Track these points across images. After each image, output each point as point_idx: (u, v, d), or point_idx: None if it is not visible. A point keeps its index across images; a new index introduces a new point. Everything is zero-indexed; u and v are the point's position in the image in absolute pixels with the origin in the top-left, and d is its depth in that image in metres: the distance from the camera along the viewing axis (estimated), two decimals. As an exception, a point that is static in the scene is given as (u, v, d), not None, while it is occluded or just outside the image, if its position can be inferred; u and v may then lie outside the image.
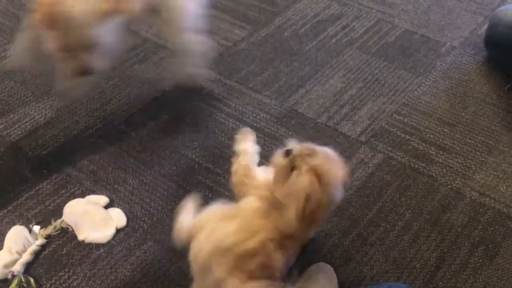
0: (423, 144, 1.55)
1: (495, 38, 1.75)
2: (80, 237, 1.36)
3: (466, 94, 1.70)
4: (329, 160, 1.06)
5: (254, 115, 1.65)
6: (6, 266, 1.28)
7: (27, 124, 1.65)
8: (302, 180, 1.01)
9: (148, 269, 1.28)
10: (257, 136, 1.56)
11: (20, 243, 1.32)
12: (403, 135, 1.57)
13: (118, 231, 1.36)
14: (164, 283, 1.25)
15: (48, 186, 1.47)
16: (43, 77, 1.79)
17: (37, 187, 1.47)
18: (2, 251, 1.31)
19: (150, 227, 1.37)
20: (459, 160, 1.50)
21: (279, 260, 1.05)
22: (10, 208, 1.42)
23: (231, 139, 1.58)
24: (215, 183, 1.46)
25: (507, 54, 1.72)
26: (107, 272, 1.28)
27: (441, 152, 1.52)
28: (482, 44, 1.83)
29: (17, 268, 1.28)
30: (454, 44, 1.88)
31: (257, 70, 1.81)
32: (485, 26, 1.84)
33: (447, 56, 1.84)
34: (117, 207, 1.41)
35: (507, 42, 1.68)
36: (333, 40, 1.92)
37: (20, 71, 1.81)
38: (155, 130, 1.62)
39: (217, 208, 1.12)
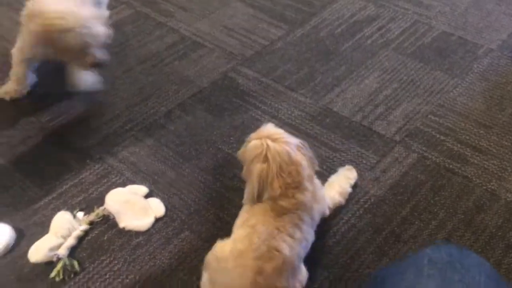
0: (459, 145, 1.55)
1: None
2: (121, 224, 1.41)
3: (503, 97, 1.70)
4: (288, 151, 1.16)
5: (289, 112, 1.68)
6: (52, 249, 1.34)
7: (72, 116, 1.72)
8: (257, 166, 1.14)
9: (184, 257, 1.33)
10: (292, 134, 1.60)
11: (65, 228, 1.39)
12: (438, 136, 1.58)
13: (156, 220, 1.41)
14: (200, 271, 1.29)
15: (91, 176, 1.53)
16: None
17: (81, 176, 1.53)
18: (48, 235, 1.37)
19: (187, 217, 1.41)
20: (495, 162, 1.50)
21: None
22: (55, 195, 1.48)
23: (267, 135, 1.62)
24: (251, 177, 1.50)
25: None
26: (146, 258, 1.33)
27: (476, 153, 1.53)
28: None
29: (62, 251, 1.34)
30: (492, 47, 1.88)
31: (293, 69, 1.84)
32: (524, 29, 1.84)
33: (484, 58, 1.84)
34: (156, 197, 1.46)
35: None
36: (369, 41, 1.94)
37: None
38: (193, 125, 1.67)
39: None
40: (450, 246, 1.10)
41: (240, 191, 1.45)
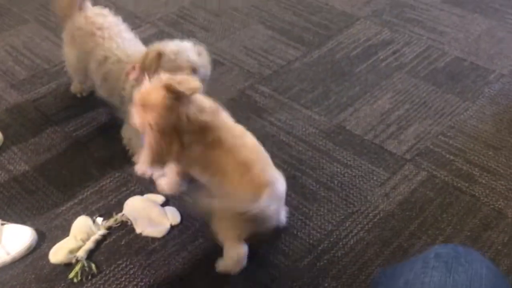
0: (467, 165, 1.59)
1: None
2: (138, 230, 1.47)
3: (512, 120, 1.74)
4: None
5: (303, 129, 1.74)
6: (71, 251, 1.40)
7: (94, 127, 1.79)
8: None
9: (199, 263, 1.38)
10: (306, 149, 1.66)
11: (84, 232, 1.45)
12: (447, 155, 1.63)
13: (172, 227, 1.47)
14: (214, 276, 1.34)
15: (111, 183, 1.59)
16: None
17: (101, 184, 1.59)
18: (68, 238, 1.43)
19: (201, 225, 1.47)
20: (503, 182, 1.54)
21: None
22: (76, 201, 1.55)
23: (281, 150, 1.68)
24: (265, 190, 1.55)
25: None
26: (161, 263, 1.38)
27: (485, 173, 1.57)
28: (531, 73, 1.87)
29: (81, 254, 1.40)
30: (503, 72, 1.93)
31: (309, 88, 1.91)
32: (535, 56, 1.88)
33: (495, 83, 1.88)
34: (172, 205, 1.52)
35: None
36: (383, 64, 2.00)
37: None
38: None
39: None
40: (456, 245, 1.14)
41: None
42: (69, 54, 1.76)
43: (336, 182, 1.56)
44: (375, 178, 1.57)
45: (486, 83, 1.88)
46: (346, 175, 1.58)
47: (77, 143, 1.74)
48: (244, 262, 1.34)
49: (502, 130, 1.71)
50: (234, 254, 1.33)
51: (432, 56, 2.02)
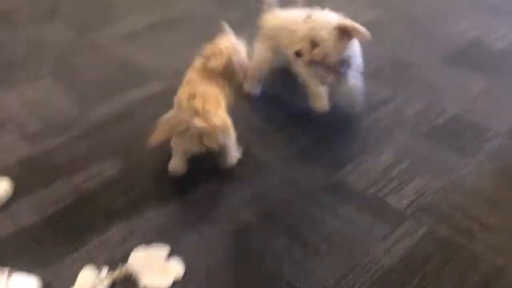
0: (467, 220, 1.62)
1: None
2: (142, 283, 1.49)
3: (511, 176, 1.78)
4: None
5: (306, 183, 1.78)
6: (76, 302, 1.42)
7: (102, 178, 1.84)
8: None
9: (201, 316, 1.39)
10: (309, 203, 1.69)
11: (90, 283, 1.47)
12: (448, 210, 1.66)
13: (176, 281, 1.49)
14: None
15: (117, 234, 1.63)
16: (120, 138, 2.01)
17: (108, 235, 1.63)
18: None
19: (205, 279, 1.49)
20: (502, 238, 1.56)
21: None
22: (83, 252, 1.58)
23: (284, 204, 1.71)
24: (267, 243, 1.58)
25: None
26: (164, 315, 1.40)
27: (484, 229, 1.59)
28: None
29: (86, 304, 1.42)
30: (501, 130, 1.97)
31: (311, 141, 1.96)
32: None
33: (494, 140, 1.93)
34: (177, 257, 1.54)
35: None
36: (385, 120, 2.06)
37: (99, 131, 2.04)
38: (218, 191, 1.77)
39: None
40: None
41: (259, 255, 1.53)
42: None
43: (338, 236, 1.58)
44: (377, 232, 1.59)
45: (484, 140, 1.93)
46: (348, 229, 1.61)
47: (85, 195, 1.78)
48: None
49: (501, 186, 1.74)
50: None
51: (432, 114, 2.08)
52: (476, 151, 1.89)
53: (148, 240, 1.60)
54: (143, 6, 2.94)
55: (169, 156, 1.86)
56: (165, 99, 2.20)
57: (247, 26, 2.71)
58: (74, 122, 2.11)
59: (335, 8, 1.87)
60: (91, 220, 1.68)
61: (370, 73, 2.26)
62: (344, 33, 1.80)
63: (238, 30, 2.59)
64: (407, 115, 2.08)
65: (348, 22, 1.79)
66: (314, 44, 1.82)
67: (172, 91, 2.19)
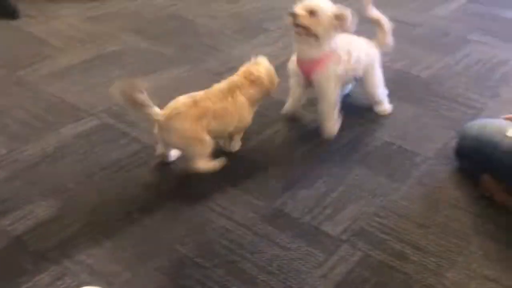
0: (400, 244, 1.66)
1: (463, 150, 1.93)
2: (74, 325, 1.43)
3: (439, 200, 1.84)
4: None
5: (243, 214, 1.78)
6: None
7: (31, 220, 1.77)
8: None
9: None
10: (245, 234, 1.69)
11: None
12: (381, 235, 1.69)
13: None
14: None
15: (46, 278, 1.56)
16: (51, 177, 1.94)
17: (36, 279, 1.56)
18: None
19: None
20: (433, 259, 1.61)
21: None
22: (9, 297, 1.50)
23: (221, 235, 1.70)
24: (204, 277, 1.56)
25: (474, 164, 1.89)
26: None
27: (416, 251, 1.63)
28: (453, 155, 2.00)
29: None
30: (429, 155, 2.05)
31: (248, 173, 1.97)
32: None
33: (422, 165, 2.00)
34: (111, 297, 1.49)
35: (474, 154, 1.86)
36: (320, 148, 2.10)
37: (29, 171, 1.97)
38: (151, 227, 1.74)
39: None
40: None
41: (192, 289, 1.50)
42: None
43: (275, 265, 1.58)
44: (313, 260, 1.60)
45: (413, 165, 2.00)
46: (285, 258, 1.61)
47: (11, 237, 1.70)
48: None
49: (430, 210, 1.80)
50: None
51: (363, 141, 2.14)
52: (406, 176, 1.95)
53: (80, 282, 1.54)
54: (75, 42, 2.91)
55: (102, 195, 1.81)
56: (98, 135, 2.18)
57: (182, 61, 2.73)
58: (2, 162, 2.03)
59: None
60: (18, 264, 1.61)
61: (305, 104, 2.32)
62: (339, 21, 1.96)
63: (174, 65, 2.59)
64: (340, 143, 2.13)
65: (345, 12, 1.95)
66: (312, 13, 1.94)
67: (105, 127, 2.16)
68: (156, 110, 1.82)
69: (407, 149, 2.09)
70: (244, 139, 2.14)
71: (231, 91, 1.93)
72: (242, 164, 2.02)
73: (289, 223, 1.74)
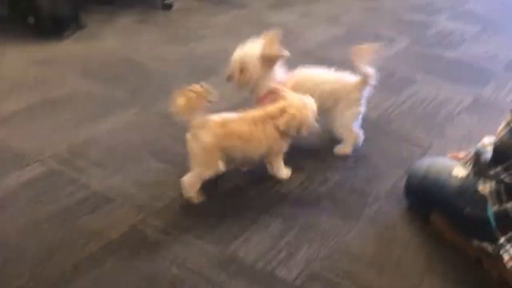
0: (354, 286, 1.66)
1: (412, 189, 1.97)
2: None
3: (391, 239, 1.86)
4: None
5: (196, 261, 1.74)
6: None
7: (-28, 274, 1.68)
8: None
9: None
10: (199, 282, 1.66)
11: None
12: (335, 278, 1.69)
13: None
14: None
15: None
16: (-7, 228, 1.86)
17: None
18: None
19: None
20: (387, 300, 1.61)
21: None
22: None
23: (173, 285, 1.66)
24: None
25: (423, 202, 1.92)
26: None
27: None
28: (403, 194, 2.04)
29: None
30: (380, 195, 2.08)
31: (201, 219, 1.94)
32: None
33: (373, 205, 2.03)
34: None
35: (421, 192, 1.90)
36: (272, 190, 2.10)
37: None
38: (101, 278, 1.68)
39: None
40: None
41: None
42: None
43: (229, 314, 1.55)
44: (267, 307, 1.58)
45: (365, 205, 2.02)
46: (239, 306, 1.58)
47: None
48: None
49: (383, 249, 1.81)
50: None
51: (315, 182, 2.15)
52: (358, 217, 1.97)
53: None
54: (21, 86, 2.84)
55: (48, 246, 1.75)
56: (45, 183, 2.11)
57: (133, 104, 2.72)
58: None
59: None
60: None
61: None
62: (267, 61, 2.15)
63: (124, 107, 2.57)
64: (292, 184, 2.14)
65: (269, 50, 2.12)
66: (242, 70, 2.14)
67: (52, 174, 2.11)
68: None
69: (358, 189, 2.12)
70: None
71: (263, 119, 2.00)
72: (194, 209, 1.99)
73: (243, 269, 1.72)
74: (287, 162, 2.19)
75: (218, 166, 1.99)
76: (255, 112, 2.03)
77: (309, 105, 2.06)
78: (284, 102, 2.04)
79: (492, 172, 1.59)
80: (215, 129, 1.93)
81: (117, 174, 2.19)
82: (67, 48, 3.29)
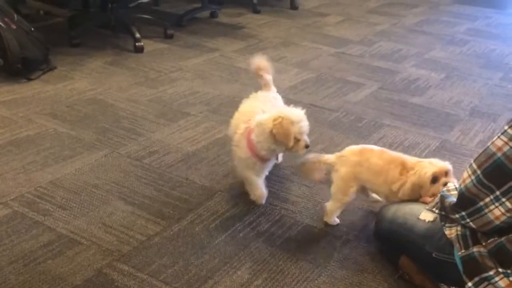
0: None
1: (381, 232, 1.98)
2: None
3: (361, 283, 1.86)
4: None
5: (163, 307, 1.70)
6: None
7: None
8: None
9: None
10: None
11: None
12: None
13: None
14: None
15: None
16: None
17: None
18: None
19: None
20: None
21: None
22: None
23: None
24: None
25: (392, 246, 1.93)
26: None
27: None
28: (373, 238, 2.05)
29: None
30: (350, 238, 2.09)
31: (169, 262, 1.91)
32: (374, 222, 2.08)
33: (343, 248, 2.03)
34: None
35: (390, 236, 1.91)
36: (241, 234, 2.08)
37: None
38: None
39: None
40: None
41: None
42: None
43: None
44: None
45: (334, 248, 2.02)
46: None
47: None
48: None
49: (353, 293, 1.81)
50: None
51: (286, 225, 2.15)
52: (328, 260, 1.96)
53: None
54: (-13, 127, 2.79)
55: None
56: (8, 226, 2.05)
57: (102, 146, 2.69)
58: None
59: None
60: None
61: (226, 189, 2.31)
62: None
63: (93, 149, 2.55)
64: (263, 227, 2.13)
65: None
66: None
67: (16, 217, 2.06)
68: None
69: (328, 232, 2.12)
70: (163, 227, 2.09)
71: None
72: (162, 252, 1.96)
73: (211, 314, 1.68)
74: (255, 204, 2.19)
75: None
76: None
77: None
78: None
79: (456, 216, 1.62)
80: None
81: (83, 216, 2.14)
82: (36, 89, 3.25)
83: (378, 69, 3.93)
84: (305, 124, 2.10)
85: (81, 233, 2.04)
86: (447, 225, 1.69)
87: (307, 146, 2.13)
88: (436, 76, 3.87)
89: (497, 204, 1.48)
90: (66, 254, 1.93)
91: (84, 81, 3.41)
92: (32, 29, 3.51)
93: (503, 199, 1.46)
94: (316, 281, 1.85)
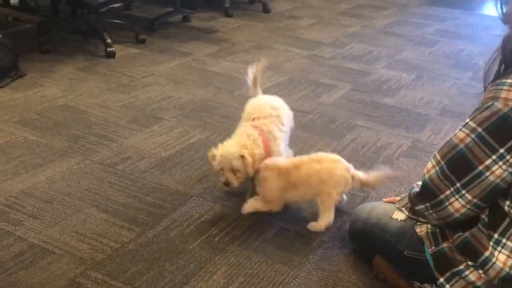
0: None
1: (355, 233, 1.99)
2: None
3: (336, 284, 1.87)
4: None
5: (138, 314, 1.68)
6: None
7: None
8: None
9: None
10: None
11: None
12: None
13: None
14: None
15: None
16: None
17: None
18: None
19: None
20: None
21: None
22: None
23: None
24: None
25: (366, 246, 1.95)
26: None
27: None
28: (347, 238, 2.06)
29: None
30: (324, 239, 2.10)
31: (143, 269, 1.89)
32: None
33: (318, 249, 2.04)
34: None
35: (365, 236, 1.92)
36: (216, 238, 2.07)
37: None
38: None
39: None
40: None
41: None
42: None
43: None
44: None
45: (309, 250, 2.03)
46: None
47: None
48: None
49: (328, 294, 1.82)
50: None
51: (260, 228, 2.15)
52: (304, 262, 1.97)
53: None
54: (-44, 136, 2.73)
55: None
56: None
57: (74, 153, 2.65)
58: None
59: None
60: None
61: (200, 193, 2.30)
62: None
63: (65, 157, 2.52)
64: (238, 231, 2.12)
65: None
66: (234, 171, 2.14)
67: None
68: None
69: (303, 234, 2.12)
70: (137, 234, 2.07)
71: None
72: (136, 259, 1.94)
73: (187, 320, 1.67)
74: (231, 208, 2.18)
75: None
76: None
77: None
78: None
79: (421, 206, 1.63)
80: None
81: (56, 225, 2.11)
82: (5, 97, 3.20)
83: (350, 71, 3.96)
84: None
85: (54, 242, 2.01)
86: (418, 223, 1.71)
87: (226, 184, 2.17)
88: (407, 76, 3.92)
89: (457, 196, 1.50)
90: (39, 264, 1.90)
91: (55, 88, 3.37)
92: (0, 35, 3.45)
93: (463, 191, 1.49)
94: (292, 283, 1.85)
